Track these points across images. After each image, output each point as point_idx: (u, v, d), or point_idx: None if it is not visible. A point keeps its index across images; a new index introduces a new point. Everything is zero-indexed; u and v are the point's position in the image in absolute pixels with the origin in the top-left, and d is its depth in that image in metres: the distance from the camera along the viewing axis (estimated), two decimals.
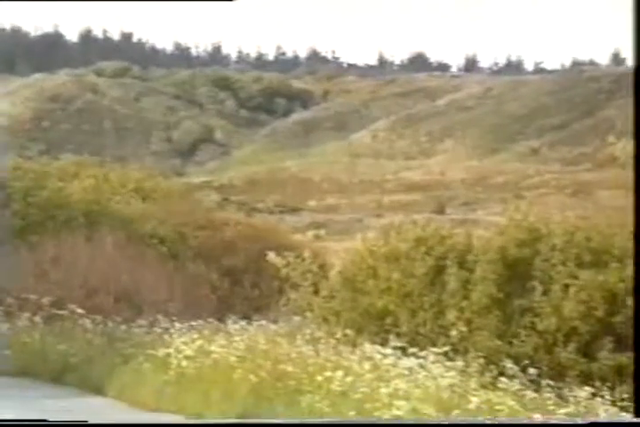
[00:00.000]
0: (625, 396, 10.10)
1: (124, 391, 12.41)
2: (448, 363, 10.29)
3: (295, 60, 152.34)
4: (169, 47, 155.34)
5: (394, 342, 11.04)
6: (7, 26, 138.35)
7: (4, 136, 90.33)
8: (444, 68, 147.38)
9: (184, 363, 11.82)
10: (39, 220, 18.89)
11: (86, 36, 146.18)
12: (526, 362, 10.50)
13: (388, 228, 13.86)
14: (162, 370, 12.02)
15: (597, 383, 10.18)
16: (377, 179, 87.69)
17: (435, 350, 10.50)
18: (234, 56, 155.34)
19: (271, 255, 13.66)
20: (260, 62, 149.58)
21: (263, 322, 13.20)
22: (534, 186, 79.26)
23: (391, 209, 72.59)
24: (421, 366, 10.18)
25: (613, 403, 9.74)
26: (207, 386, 11.33)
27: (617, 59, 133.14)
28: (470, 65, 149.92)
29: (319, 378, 10.31)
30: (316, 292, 13.25)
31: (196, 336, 12.44)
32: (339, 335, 11.69)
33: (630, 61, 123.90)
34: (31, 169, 21.58)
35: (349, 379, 10.06)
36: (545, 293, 11.35)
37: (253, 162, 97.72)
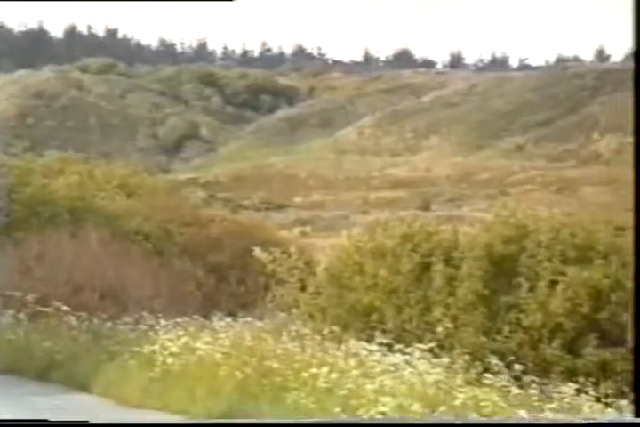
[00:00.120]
0: (609, 392, 10.13)
1: (110, 388, 12.39)
2: (434, 359, 10.31)
3: (281, 57, 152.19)
4: (154, 43, 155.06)
5: (380, 338, 11.06)
6: None
7: None
8: (429, 64, 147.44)
9: (169, 360, 11.81)
10: (24, 216, 18.83)
11: (71, 33, 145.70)
12: (511, 358, 10.52)
13: (374, 224, 13.87)
14: (147, 367, 12.01)
15: (582, 380, 10.20)
16: (363, 175, 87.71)
17: (420, 346, 10.51)
18: (219, 52, 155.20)
19: (257, 251, 13.66)
20: (246, 59, 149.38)
21: (249, 319, 13.20)
22: (519, 182, 79.39)
23: (377, 206, 72.62)
24: (407, 363, 10.20)
25: (598, 399, 9.76)
26: (192, 383, 11.32)
27: (601, 55, 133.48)
28: (455, 61, 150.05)
29: (305, 375, 10.32)
30: (303, 288, 13.25)
31: (181, 333, 12.43)
32: (325, 332, 11.70)
33: (614, 58, 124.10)
34: (16, 166, 21.52)
35: (335, 375, 10.06)
36: (531, 289, 11.38)
37: (239, 158, 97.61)
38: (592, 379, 10.38)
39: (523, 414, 8.75)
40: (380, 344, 10.81)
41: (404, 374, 9.92)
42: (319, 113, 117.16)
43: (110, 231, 18.52)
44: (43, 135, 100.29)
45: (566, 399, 9.51)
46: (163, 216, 20.87)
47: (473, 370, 10.15)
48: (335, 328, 11.77)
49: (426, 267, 12.10)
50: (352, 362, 10.46)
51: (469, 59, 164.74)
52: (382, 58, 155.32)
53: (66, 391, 12.87)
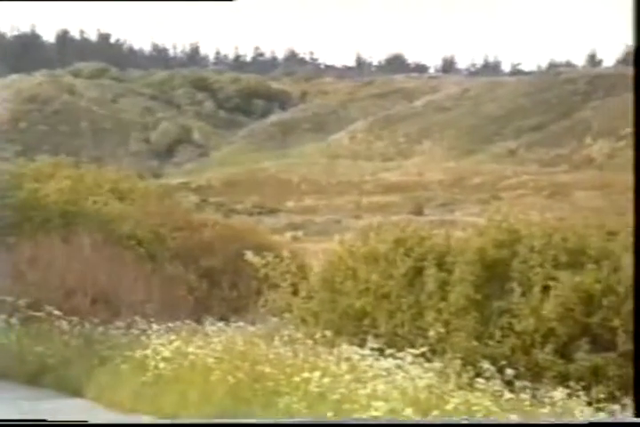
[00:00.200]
0: (601, 396, 10.15)
1: (102, 393, 12.38)
2: (426, 364, 10.32)
3: (273, 62, 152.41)
4: (146, 48, 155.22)
5: (372, 343, 11.07)
6: None
7: None
8: (421, 69, 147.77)
9: (161, 364, 11.80)
10: (15, 221, 18.81)
11: (63, 37, 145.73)
12: (504, 363, 10.53)
13: (367, 229, 13.88)
14: (139, 371, 12.00)
15: (574, 384, 10.22)
16: (355, 180, 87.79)
17: (412, 351, 10.52)
18: (212, 57, 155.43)
19: (250, 255, 13.65)
20: (238, 63, 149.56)
21: (241, 323, 13.19)
22: (511, 187, 79.52)
23: (369, 210, 72.68)
24: (399, 367, 10.20)
25: (589, 404, 9.78)
26: (184, 387, 11.31)
27: (593, 60, 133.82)
28: (448, 66, 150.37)
29: (297, 379, 10.32)
30: (295, 292, 13.25)
31: (173, 338, 12.42)
32: (317, 336, 11.70)
33: (606, 63, 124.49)
34: (7, 170, 21.51)
35: (327, 380, 10.07)
36: (523, 294, 11.39)
37: (231, 163, 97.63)
38: (584, 384, 10.40)
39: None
40: (372, 349, 10.82)
41: (396, 378, 9.93)
42: (311, 118, 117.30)
43: (102, 236, 18.50)
44: (35, 140, 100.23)
45: (558, 404, 9.52)
46: (155, 221, 20.85)
47: (465, 375, 10.15)
48: (327, 333, 11.77)
49: (418, 271, 12.11)
50: (344, 367, 10.47)
51: (462, 63, 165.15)
52: (375, 62, 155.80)
53: (57, 396, 12.85)
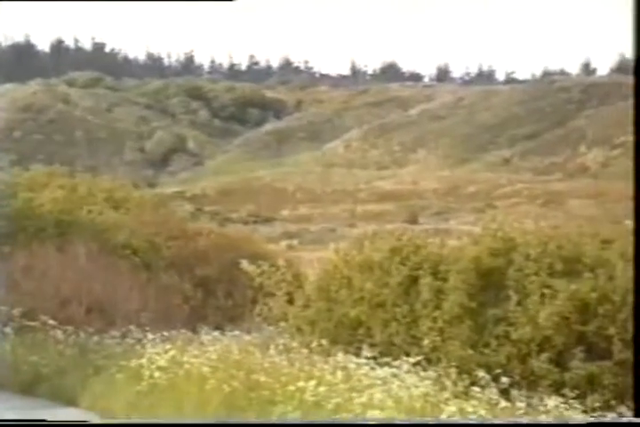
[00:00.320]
0: (596, 405, 10.14)
1: (96, 402, 12.36)
2: (422, 373, 10.32)
3: (268, 70, 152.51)
4: (141, 57, 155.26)
5: (367, 351, 11.07)
6: None
7: None
8: (416, 77, 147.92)
9: (157, 374, 11.78)
10: (10, 231, 18.79)
11: (58, 46, 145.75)
12: (499, 371, 10.52)
13: (362, 237, 13.87)
14: (134, 381, 11.98)
15: (569, 393, 10.21)
16: (350, 188, 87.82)
17: (408, 359, 10.52)
18: (206, 66, 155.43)
19: (245, 264, 13.65)
20: (233, 72, 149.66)
21: (236, 332, 13.18)
22: (506, 196, 79.59)
23: (364, 219, 72.70)
24: (394, 376, 10.20)
25: (585, 412, 9.77)
26: (180, 396, 11.30)
27: (587, 69, 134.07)
28: (442, 75, 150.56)
29: (292, 388, 10.32)
30: (290, 301, 13.24)
31: (168, 347, 12.40)
32: (313, 345, 11.69)
33: (600, 71, 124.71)
34: (2, 180, 21.50)
35: (322, 389, 10.06)
36: (519, 302, 11.39)
37: (226, 172, 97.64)
38: (579, 392, 10.39)
39: None
40: (368, 358, 10.82)
41: (391, 387, 9.92)
42: (306, 126, 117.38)
43: (97, 245, 18.49)
44: (30, 149, 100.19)
45: (554, 412, 9.52)
46: (150, 230, 20.83)
47: (460, 383, 10.15)
48: (323, 342, 11.76)
49: (414, 280, 12.10)
50: (340, 375, 10.46)
51: (456, 72, 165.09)
52: (369, 71, 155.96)
53: (52, 406, 12.82)
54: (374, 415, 9.11)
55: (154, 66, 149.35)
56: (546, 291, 11.28)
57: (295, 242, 60.87)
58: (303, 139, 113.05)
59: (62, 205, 20.83)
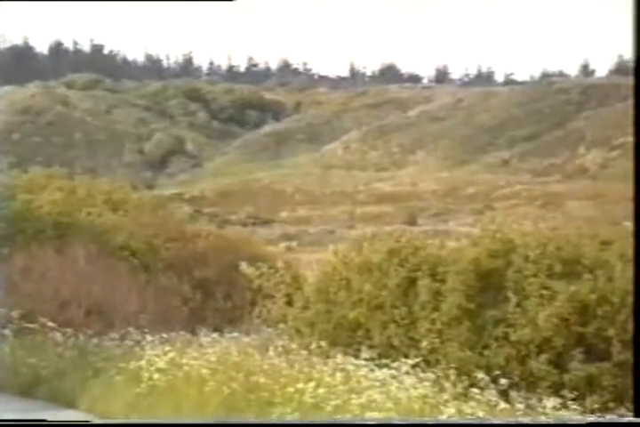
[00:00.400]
0: (595, 406, 10.14)
1: (96, 404, 12.35)
2: (420, 374, 10.32)
3: (267, 72, 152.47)
4: (140, 59, 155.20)
5: (366, 353, 11.07)
6: None
7: None
8: (415, 79, 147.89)
9: (156, 375, 11.78)
10: (9, 232, 18.79)
11: (56, 49, 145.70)
12: (498, 373, 10.52)
13: (361, 239, 13.87)
14: (133, 383, 11.98)
15: (568, 394, 10.21)
16: (349, 190, 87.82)
17: (406, 361, 10.52)
18: (205, 68, 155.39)
19: (244, 266, 13.66)
20: (232, 74, 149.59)
21: (235, 334, 13.17)
22: (505, 197, 79.60)
23: (363, 220, 72.72)
24: (394, 377, 10.20)
25: (583, 413, 9.77)
26: (179, 398, 11.29)
27: (585, 70, 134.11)
28: (441, 76, 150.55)
29: (291, 390, 10.32)
30: (289, 303, 13.24)
31: (167, 349, 12.40)
32: (312, 347, 11.70)
33: (599, 73, 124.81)
34: (1, 182, 21.50)
35: (322, 391, 10.06)
36: (518, 304, 11.39)
37: (225, 174, 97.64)
38: (578, 393, 10.39)
39: None
40: (367, 359, 10.83)
41: (390, 389, 9.92)
42: (305, 128, 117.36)
43: (96, 247, 18.48)
44: (29, 151, 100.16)
45: (553, 414, 9.52)
46: (148, 232, 20.83)
47: (459, 385, 10.15)
48: (322, 343, 11.77)
49: (412, 282, 12.10)
50: (339, 377, 10.46)
51: (455, 73, 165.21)
52: (368, 73, 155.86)
53: (51, 408, 12.82)
54: (373, 417, 9.11)
55: (152, 68, 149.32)
56: (545, 292, 11.28)
57: (294, 244, 60.87)
58: (302, 140, 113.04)
59: (61, 207, 20.83)
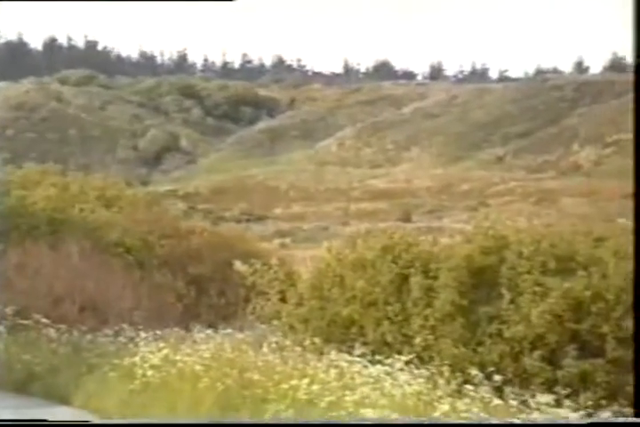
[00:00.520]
0: (589, 403, 10.15)
1: (90, 401, 12.35)
2: (414, 371, 10.33)
3: (261, 69, 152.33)
4: (134, 55, 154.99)
5: (360, 350, 11.08)
6: None
7: None
8: (409, 76, 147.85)
9: (150, 372, 11.78)
10: (3, 228, 18.77)
11: (51, 45, 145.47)
12: (492, 369, 10.53)
13: (355, 236, 13.88)
14: (127, 379, 11.98)
15: (562, 391, 10.22)
16: (343, 187, 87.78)
17: (400, 357, 10.53)
18: (199, 64, 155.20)
19: (238, 264, 13.66)
20: (226, 70, 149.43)
21: (229, 330, 13.17)
22: (499, 194, 79.61)
23: (357, 217, 72.71)
24: (387, 374, 10.21)
25: (577, 410, 9.78)
26: (173, 395, 11.29)
27: (580, 67, 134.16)
28: (435, 73, 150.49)
29: (285, 386, 10.32)
30: (283, 300, 13.25)
31: (161, 345, 12.40)
32: (306, 343, 11.71)
33: (593, 69, 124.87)
34: None
35: (316, 387, 10.06)
36: (511, 300, 11.40)
37: (219, 170, 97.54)
38: (572, 390, 10.41)
39: None
40: (360, 356, 10.84)
41: (384, 385, 9.94)
42: (300, 124, 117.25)
43: (90, 243, 18.48)
44: (23, 147, 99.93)
45: (547, 410, 9.52)
46: (143, 228, 20.81)
47: (453, 381, 10.16)
48: (316, 340, 11.77)
49: (405, 278, 12.11)
50: (332, 374, 10.47)
51: (449, 70, 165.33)
52: (362, 69, 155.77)
53: (45, 404, 12.81)
54: (367, 413, 9.11)
55: (147, 64, 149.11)
56: (538, 289, 11.29)
57: (288, 240, 60.85)
58: (296, 137, 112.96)
59: (55, 204, 20.80)
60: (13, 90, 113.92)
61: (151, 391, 11.58)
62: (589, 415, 9.80)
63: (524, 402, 9.76)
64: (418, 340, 11.42)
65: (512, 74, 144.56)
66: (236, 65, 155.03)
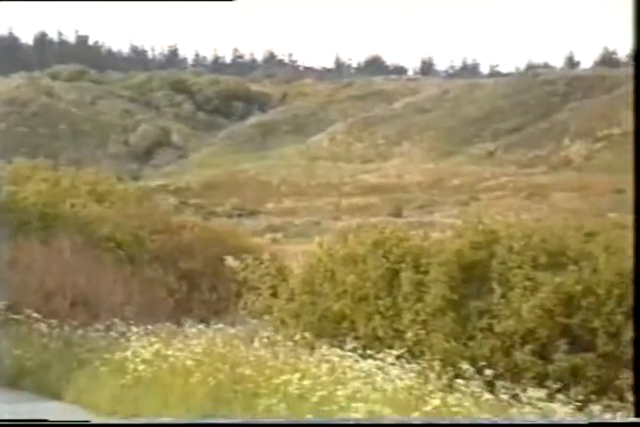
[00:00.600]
0: (580, 397, 10.18)
1: (81, 396, 12.34)
2: (405, 365, 10.35)
3: (252, 64, 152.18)
4: (125, 50, 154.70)
5: (351, 344, 11.10)
6: None
7: None
8: (400, 71, 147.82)
9: (141, 367, 11.78)
10: None
11: (41, 40, 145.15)
12: (483, 364, 10.55)
13: (346, 230, 13.89)
14: (119, 374, 11.98)
15: (553, 385, 10.26)
16: (334, 182, 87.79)
17: (391, 352, 10.55)
18: (190, 59, 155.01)
19: (229, 260, 13.67)
20: (217, 65, 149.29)
21: (221, 325, 13.17)
22: (490, 188, 79.70)
23: (349, 212, 72.75)
24: (379, 369, 10.23)
25: (568, 404, 9.81)
26: (164, 390, 11.30)
27: (571, 62, 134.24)
28: (426, 68, 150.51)
29: (277, 381, 10.34)
30: (275, 295, 13.26)
31: (153, 340, 12.40)
32: (297, 338, 11.72)
33: (584, 64, 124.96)
34: None
35: (307, 382, 10.08)
36: (502, 295, 11.43)
37: (211, 165, 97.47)
38: (563, 384, 10.44)
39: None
40: (352, 350, 10.86)
41: (375, 379, 9.95)
42: (291, 119, 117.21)
43: (81, 238, 18.46)
44: (14, 142, 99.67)
45: (538, 404, 9.55)
46: (134, 223, 20.80)
47: (444, 376, 10.18)
48: (307, 335, 11.79)
49: (396, 273, 12.13)
50: (324, 368, 10.49)
51: (440, 65, 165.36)
52: (354, 64, 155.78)
53: (36, 399, 12.80)
54: (358, 408, 9.13)
55: (138, 59, 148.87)
56: (529, 284, 11.32)
57: (279, 235, 60.83)
58: (288, 132, 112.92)
59: (46, 198, 20.78)
60: (4, 85, 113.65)
61: (143, 386, 11.59)
62: (580, 409, 9.82)
63: (514, 396, 9.79)
64: (409, 334, 11.45)
65: (503, 69, 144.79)
66: (228, 60, 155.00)
